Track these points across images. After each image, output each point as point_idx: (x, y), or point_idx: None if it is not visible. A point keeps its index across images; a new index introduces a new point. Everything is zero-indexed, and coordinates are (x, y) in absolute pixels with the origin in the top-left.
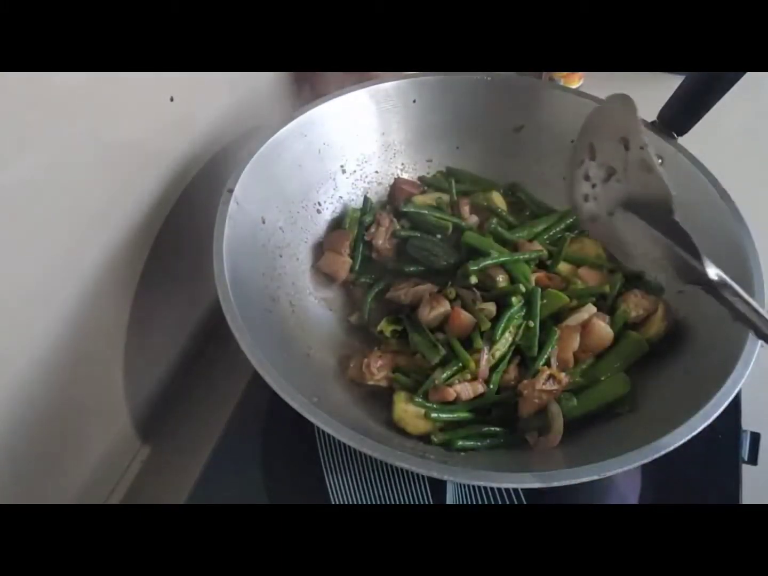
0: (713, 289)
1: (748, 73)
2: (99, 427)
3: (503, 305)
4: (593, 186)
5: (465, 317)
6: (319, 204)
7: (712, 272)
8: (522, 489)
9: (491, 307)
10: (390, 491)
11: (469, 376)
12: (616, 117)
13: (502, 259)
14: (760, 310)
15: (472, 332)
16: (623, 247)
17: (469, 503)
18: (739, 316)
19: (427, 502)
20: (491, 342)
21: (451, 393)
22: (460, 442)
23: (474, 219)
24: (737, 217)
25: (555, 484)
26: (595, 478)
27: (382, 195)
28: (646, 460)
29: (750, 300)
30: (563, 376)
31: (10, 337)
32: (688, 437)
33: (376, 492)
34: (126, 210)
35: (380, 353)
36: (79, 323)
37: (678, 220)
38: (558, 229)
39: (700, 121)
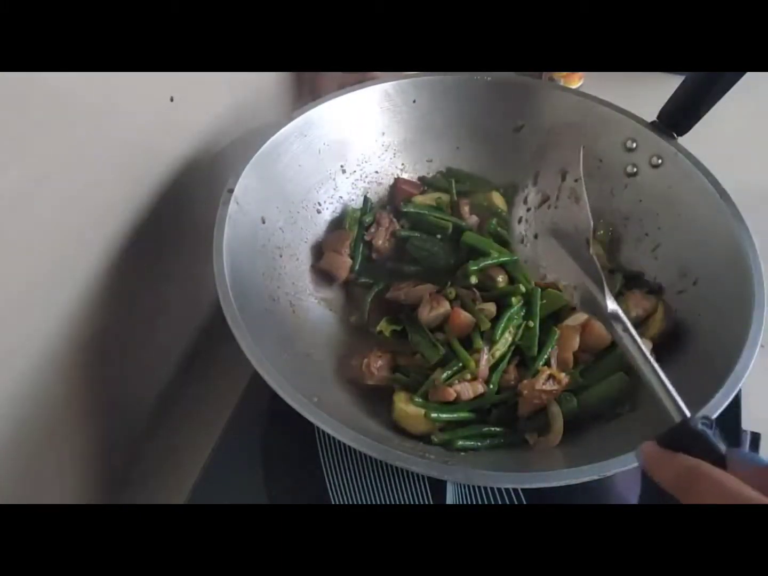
0: (606, 321)
1: (748, 73)
2: (99, 426)
3: (503, 305)
4: (528, 210)
5: (465, 317)
6: (319, 204)
7: (610, 305)
8: (522, 489)
9: (491, 307)
10: (390, 491)
11: (469, 376)
12: (562, 148)
13: (502, 259)
14: (646, 351)
15: (472, 332)
16: (540, 270)
17: (469, 503)
18: (626, 352)
19: (427, 502)
20: (491, 342)
21: (451, 393)
22: (460, 442)
23: (474, 219)
24: (737, 217)
25: (555, 484)
26: (595, 478)
27: (382, 195)
28: None
29: (638, 339)
30: (563, 376)
31: (10, 339)
32: None
33: (376, 492)
34: (125, 210)
35: (380, 353)
36: (78, 323)
37: (592, 254)
38: None
39: (700, 121)
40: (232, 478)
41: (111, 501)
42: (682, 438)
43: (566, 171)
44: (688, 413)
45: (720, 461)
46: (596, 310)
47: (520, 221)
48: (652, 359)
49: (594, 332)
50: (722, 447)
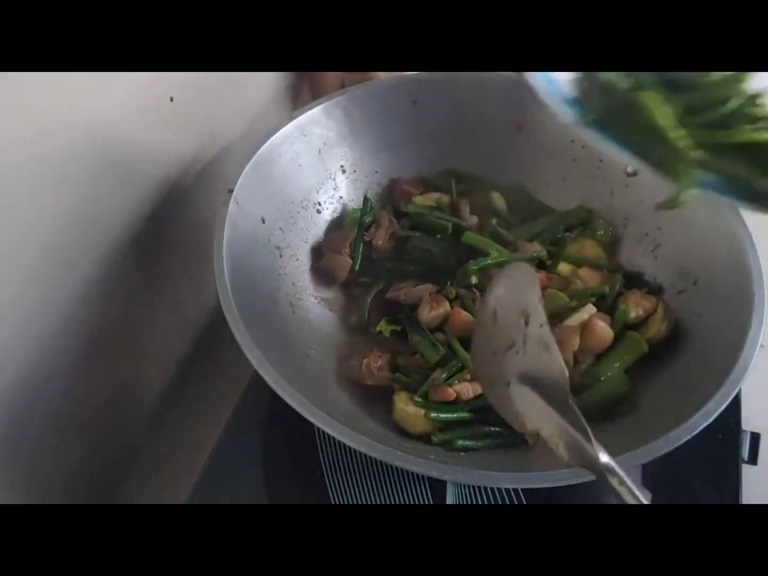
0: (600, 474)
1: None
2: (99, 426)
3: None
4: (494, 353)
5: (465, 317)
6: (319, 204)
7: (602, 457)
8: (522, 489)
9: None
10: (390, 491)
11: (468, 376)
12: (518, 288)
13: (502, 259)
14: (642, 499)
15: (472, 332)
16: (518, 417)
17: (469, 503)
18: (620, 500)
19: (427, 502)
20: None
21: (451, 393)
22: (460, 442)
23: (474, 219)
24: (737, 217)
25: (555, 484)
26: (595, 478)
27: (382, 195)
28: (646, 460)
29: (636, 492)
30: None
31: (9, 339)
32: (688, 437)
33: (376, 492)
34: (125, 210)
35: (380, 353)
36: (78, 323)
37: (572, 403)
38: (558, 229)
39: None
40: (232, 478)
41: (111, 501)
42: None
43: (528, 314)
44: None
45: None
46: (587, 462)
47: (486, 363)
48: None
49: (594, 332)
50: None
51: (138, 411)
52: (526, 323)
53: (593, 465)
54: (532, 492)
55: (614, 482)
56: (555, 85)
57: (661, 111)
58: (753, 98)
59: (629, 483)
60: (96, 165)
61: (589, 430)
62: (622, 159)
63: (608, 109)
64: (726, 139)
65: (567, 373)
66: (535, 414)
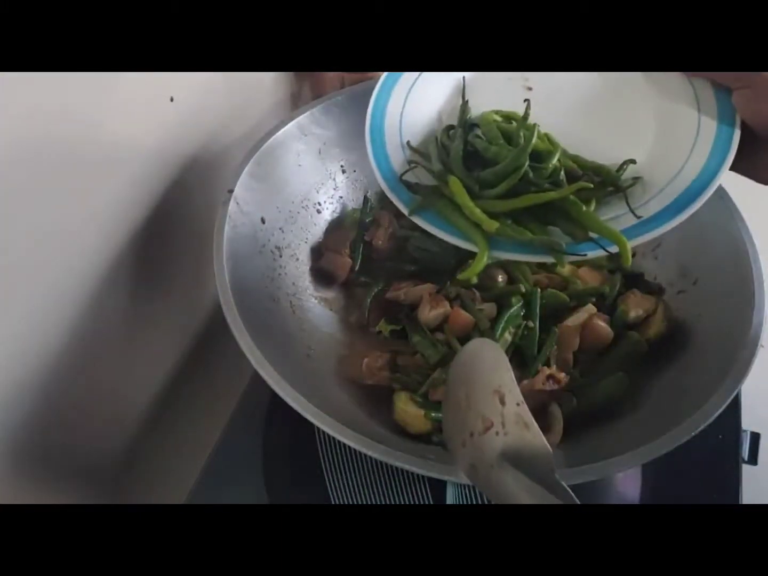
0: None
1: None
2: (99, 426)
3: (503, 305)
4: (471, 435)
5: (465, 317)
6: (319, 204)
7: None
8: None
9: (491, 308)
10: (390, 491)
11: None
12: (487, 367)
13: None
14: None
15: (472, 332)
16: (507, 498)
17: (469, 503)
18: None
19: (427, 502)
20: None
21: None
22: None
23: None
24: (737, 217)
25: None
26: (595, 478)
27: (382, 195)
28: (646, 460)
29: None
30: (563, 376)
31: (9, 339)
32: (688, 437)
33: (376, 492)
34: (125, 210)
35: (380, 353)
36: (78, 324)
37: (558, 479)
38: None
39: None
40: (232, 478)
41: (111, 501)
42: None
43: (502, 393)
44: None
45: None
46: None
47: (464, 444)
48: None
49: (594, 332)
50: None
51: (138, 411)
52: (502, 403)
53: None
54: None
55: None
56: (392, 171)
57: (460, 190)
58: (541, 167)
59: None
60: (95, 165)
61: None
62: (449, 241)
63: (428, 194)
64: (514, 206)
65: (550, 450)
66: (523, 493)
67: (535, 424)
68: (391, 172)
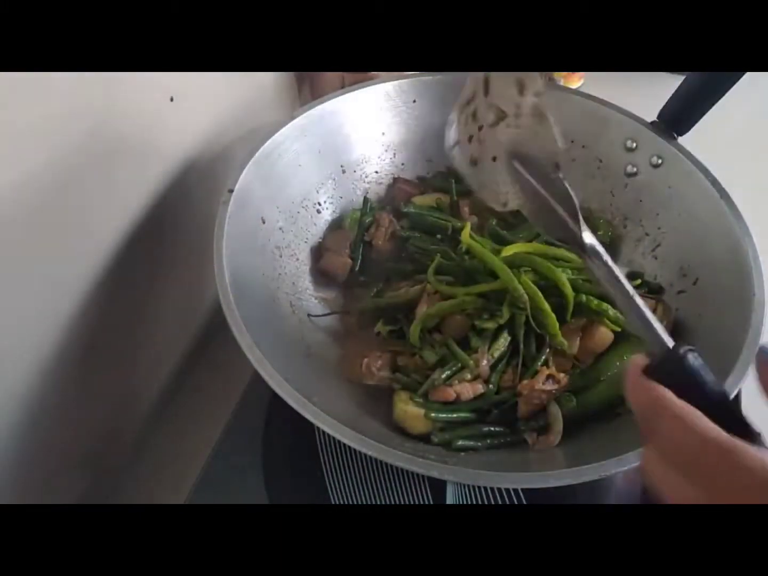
0: (582, 252)
1: (748, 73)
2: (99, 426)
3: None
4: (480, 128)
5: (461, 318)
6: (319, 204)
7: (587, 238)
8: (522, 489)
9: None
10: (390, 491)
11: (468, 376)
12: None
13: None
14: (627, 285)
15: (469, 332)
16: (499, 196)
17: (469, 503)
18: (602, 286)
19: (427, 502)
20: (490, 342)
21: (451, 393)
22: (460, 442)
23: (474, 219)
24: (737, 217)
25: (555, 484)
26: (595, 478)
27: (382, 195)
28: None
29: (617, 271)
30: (562, 377)
31: (9, 339)
32: None
33: (376, 492)
34: (125, 211)
35: (380, 353)
36: (78, 324)
37: (562, 177)
38: None
39: (700, 121)
40: (232, 478)
41: (111, 501)
42: (665, 368)
43: (524, 83)
44: (671, 344)
45: (702, 392)
46: (568, 238)
47: (470, 140)
48: (633, 293)
49: (594, 333)
50: (709, 377)
51: (138, 411)
52: (521, 93)
53: (575, 242)
54: (532, 492)
55: (596, 261)
56: None
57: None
58: None
59: (611, 263)
60: (95, 165)
61: (578, 209)
62: None
63: None
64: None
65: (561, 145)
66: (520, 190)
67: (551, 119)
68: None
